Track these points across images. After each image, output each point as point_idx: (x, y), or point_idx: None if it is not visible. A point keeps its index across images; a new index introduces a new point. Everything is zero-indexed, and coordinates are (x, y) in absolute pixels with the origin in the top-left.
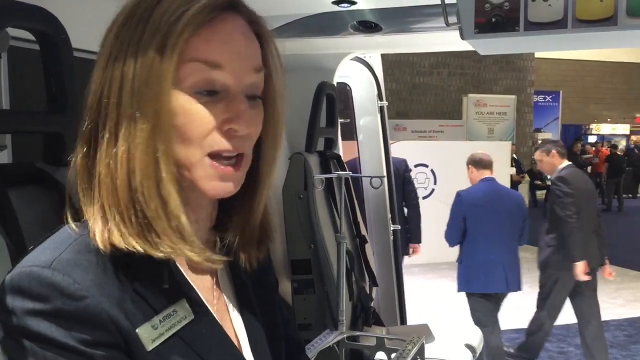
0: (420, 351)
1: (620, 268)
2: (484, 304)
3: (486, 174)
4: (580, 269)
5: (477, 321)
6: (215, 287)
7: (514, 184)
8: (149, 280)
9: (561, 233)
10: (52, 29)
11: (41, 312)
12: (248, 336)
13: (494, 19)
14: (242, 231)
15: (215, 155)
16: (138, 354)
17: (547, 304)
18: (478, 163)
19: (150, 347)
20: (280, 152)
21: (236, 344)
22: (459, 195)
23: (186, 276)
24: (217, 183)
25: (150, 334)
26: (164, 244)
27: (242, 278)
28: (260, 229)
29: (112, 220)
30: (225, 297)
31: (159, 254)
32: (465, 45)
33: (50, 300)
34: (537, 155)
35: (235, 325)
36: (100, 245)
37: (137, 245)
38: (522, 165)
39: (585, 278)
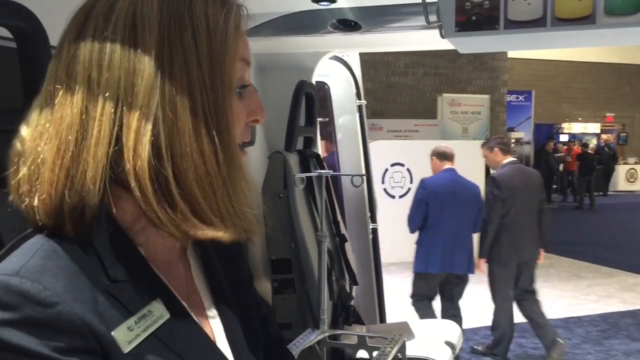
0: (402, 349)
1: (592, 265)
2: (432, 285)
3: (447, 164)
4: (479, 264)
5: (417, 297)
6: (189, 282)
7: None
8: (122, 282)
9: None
10: (30, 26)
11: (11, 321)
12: (225, 331)
13: (474, 17)
14: None
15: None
16: (115, 357)
17: (496, 299)
18: (442, 155)
19: (126, 349)
20: None
21: (213, 339)
22: (423, 182)
23: (159, 274)
24: None
25: (126, 336)
26: (251, 227)
27: (215, 273)
28: None
29: (207, 214)
30: (199, 292)
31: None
32: (444, 44)
33: (20, 308)
34: (483, 152)
35: (211, 320)
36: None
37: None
38: None
39: (480, 271)
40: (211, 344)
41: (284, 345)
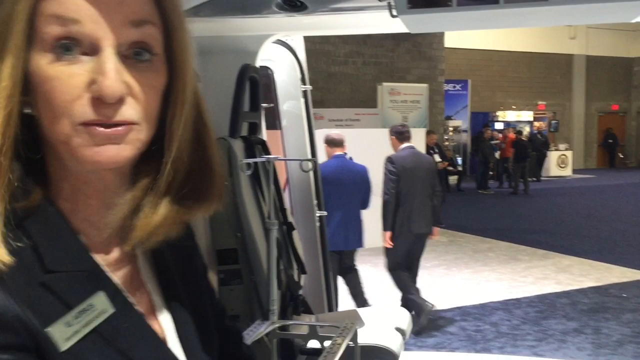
0: (354, 337)
1: (528, 248)
2: (335, 262)
3: (338, 151)
4: (385, 237)
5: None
6: (135, 277)
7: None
8: (60, 274)
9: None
10: None
11: None
12: (176, 327)
13: None
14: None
15: (89, 124)
16: (50, 355)
17: (390, 266)
18: (331, 142)
19: (64, 346)
20: (189, 106)
21: (162, 336)
22: None
23: (103, 267)
24: (98, 148)
25: (63, 333)
26: None
27: (167, 268)
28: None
29: None
30: (148, 287)
31: None
32: (394, 26)
33: None
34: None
35: (160, 316)
36: None
37: None
38: (445, 152)
39: (388, 245)
40: (159, 342)
41: (240, 339)
